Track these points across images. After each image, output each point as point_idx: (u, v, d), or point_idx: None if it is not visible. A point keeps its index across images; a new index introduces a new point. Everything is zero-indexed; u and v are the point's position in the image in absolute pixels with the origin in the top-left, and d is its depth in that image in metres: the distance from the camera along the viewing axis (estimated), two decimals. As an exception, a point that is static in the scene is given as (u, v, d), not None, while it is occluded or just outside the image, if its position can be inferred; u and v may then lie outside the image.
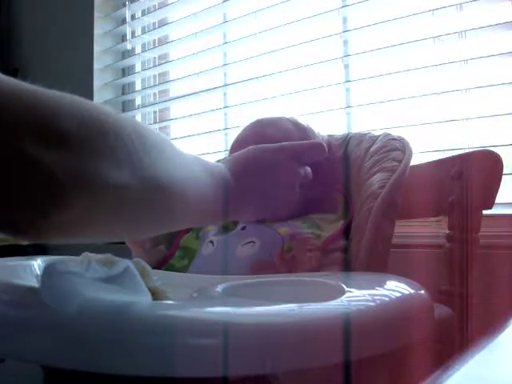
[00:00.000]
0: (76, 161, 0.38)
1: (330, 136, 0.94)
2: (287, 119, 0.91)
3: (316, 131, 0.92)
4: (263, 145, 0.64)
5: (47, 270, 0.37)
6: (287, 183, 0.64)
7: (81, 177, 0.38)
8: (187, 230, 0.90)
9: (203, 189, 0.53)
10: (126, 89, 1.83)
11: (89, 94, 1.76)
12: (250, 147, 0.64)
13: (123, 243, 0.94)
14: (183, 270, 0.82)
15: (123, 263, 0.39)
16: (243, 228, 0.81)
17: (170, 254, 0.87)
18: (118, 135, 0.41)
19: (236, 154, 0.64)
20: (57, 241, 0.44)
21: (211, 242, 0.82)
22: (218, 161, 0.94)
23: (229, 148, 1.45)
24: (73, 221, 0.40)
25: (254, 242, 0.78)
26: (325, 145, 0.67)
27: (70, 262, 0.39)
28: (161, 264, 0.85)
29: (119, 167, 0.41)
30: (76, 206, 0.39)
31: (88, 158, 0.39)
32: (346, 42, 1.26)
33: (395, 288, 0.51)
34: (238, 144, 0.89)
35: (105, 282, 0.38)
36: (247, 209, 0.63)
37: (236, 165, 0.61)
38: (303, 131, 0.89)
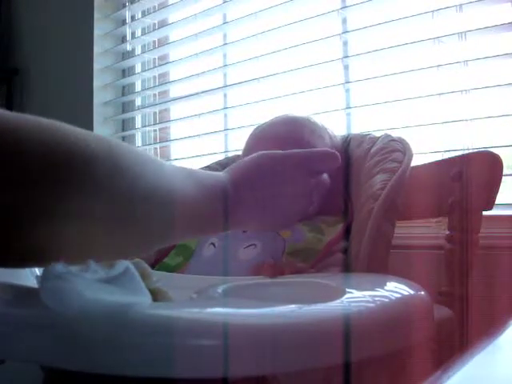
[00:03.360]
0: (35, 192, 0.38)
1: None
2: (315, 121, 0.90)
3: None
4: (271, 152, 0.61)
5: (46, 272, 0.37)
6: (295, 194, 0.60)
7: (38, 207, 0.38)
8: None
9: (190, 202, 0.51)
10: (126, 90, 1.83)
11: (89, 95, 1.76)
12: (258, 154, 0.60)
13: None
14: (177, 267, 0.82)
15: (123, 264, 0.39)
16: (244, 231, 0.81)
17: (165, 251, 0.87)
18: (86, 162, 0.40)
19: (240, 163, 0.60)
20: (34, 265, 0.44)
21: (212, 244, 0.82)
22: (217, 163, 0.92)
23: (228, 148, 1.46)
24: (41, 247, 0.40)
25: (255, 245, 0.78)
26: (338, 154, 0.62)
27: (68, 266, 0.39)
28: (155, 262, 0.85)
29: (85, 194, 0.40)
30: (35, 233, 0.39)
31: (48, 188, 0.38)
32: (345, 43, 1.27)
33: (395, 289, 0.51)
34: (268, 139, 0.86)
35: (104, 283, 0.38)
36: (251, 220, 0.59)
37: (238, 174, 0.58)
38: (330, 135, 0.89)
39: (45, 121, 0.40)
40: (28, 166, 0.38)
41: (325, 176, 0.64)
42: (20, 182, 0.37)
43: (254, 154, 0.61)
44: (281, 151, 0.61)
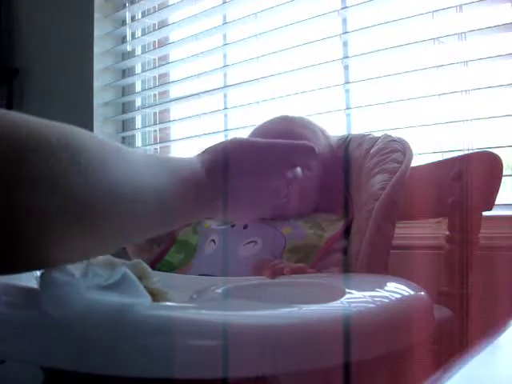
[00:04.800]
0: None
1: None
2: (309, 120, 0.91)
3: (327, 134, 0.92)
4: (251, 140, 0.59)
5: (45, 279, 0.37)
6: (270, 186, 0.58)
7: None
8: (183, 225, 0.90)
9: (163, 197, 0.48)
10: (126, 90, 1.83)
11: (89, 96, 1.76)
12: (237, 140, 0.58)
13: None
14: (180, 264, 0.82)
15: (120, 270, 0.39)
16: (245, 227, 0.81)
17: (165, 249, 0.87)
18: (42, 158, 0.37)
19: (219, 147, 0.57)
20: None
21: (213, 240, 0.82)
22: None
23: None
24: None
25: (255, 242, 0.78)
26: (316, 148, 0.61)
27: (68, 267, 0.39)
28: (156, 260, 0.85)
29: (39, 191, 0.37)
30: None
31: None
32: (345, 44, 1.27)
33: (395, 289, 0.51)
34: (265, 138, 0.87)
35: (103, 290, 0.38)
36: (225, 210, 0.56)
37: (215, 161, 0.55)
38: (326, 135, 0.90)
39: None
40: None
41: (298, 170, 0.61)
42: None
43: (233, 139, 0.58)
44: (260, 141, 0.59)
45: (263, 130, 0.90)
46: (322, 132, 0.90)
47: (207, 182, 0.52)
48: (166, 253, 0.86)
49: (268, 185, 0.58)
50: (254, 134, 0.91)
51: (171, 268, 0.82)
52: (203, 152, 0.57)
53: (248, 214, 0.62)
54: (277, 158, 0.59)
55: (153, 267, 0.78)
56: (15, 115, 0.37)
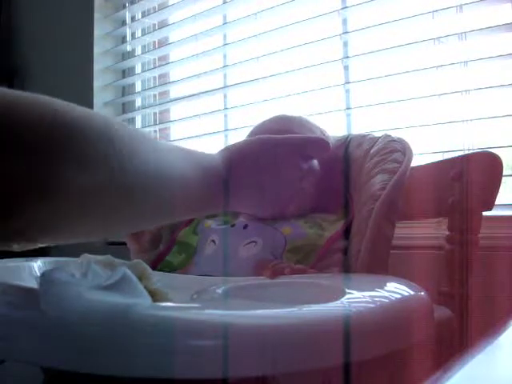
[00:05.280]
0: (30, 164, 0.38)
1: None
2: (307, 119, 0.92)
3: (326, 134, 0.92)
4: (265, 136, 0.62)
5: (45, 279, 0.37)
6: (289, 179, 0.61)
7: (34, 179, 0.38)
8: (184, 225, 0.90)
9: (188, 182, 0.51)
10: (126, 90, 1.83)
11: (89, 96, 1.76)
12: (258, 137, 0.61)
13: (123, 244, 0.94)
14: (181, 265, 0.82)
15: (120, 270, 0.39)
16: (245, 227, 0.81)
17: (166, 249, 0.87)
18: (89, 138, 0.41)
19: (240, 144, 0.61)
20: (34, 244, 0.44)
21: (213, 241, 0.82)
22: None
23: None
24: (40, 221, 0.40)
25: (255, 242, 0.78)
26: (329, 142, 0.65)
27: (68, 267, 0.39)
28: (156, 261, 0.85)
29: (86, 171, 0.41)
30: (36, 208, 0.39)
31: (46, 161, 0.39)
32: (345, 44, 1.27)
33: (395, 289, 0.51)
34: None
35: (103, 290, 0.38)
36: (249, 203, 0.60)
37: (237, 156, 0.58)
38: (325, 135, 0.90)
39: (43, 97, 0.40)
40: (24, 138, 0.38)
41: (315, 163, 0.66)
42: (16, 152, 0.37)
43: (254, 138, 0.61)
44: (274, 136, 0.62)
45: (262, 129, 0.90)
46: (321, 132, 0.90)
47: (230, 177, 0.56)
48: (166, 253, 0.87)
49: (285, 177, 0.60)
50: (253, 133, 0.91)
51: (172, 268, 0.82)
52: (225, 149, 0.60)
53: (268, 209, 0.63)
54: (292, 150, 0.61)
55: (153, 268, 0.78)
56: (61, 102, 0.42)
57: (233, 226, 0.83)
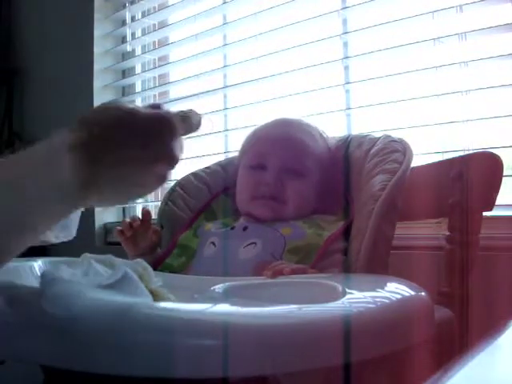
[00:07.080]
0: None
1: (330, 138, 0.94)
2: (306, 122, 0.92)
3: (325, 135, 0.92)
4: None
5: (46, 279, 0.37)
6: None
7: None
8: (184, 229, 0.90)
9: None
10: (126, 90, 1.83)
11: (89, 96, 1.76)
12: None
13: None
14: (181, 268, 0.82)
15: (121, 269, 0.39)
16: (245, 229, 0.81)
17: (167, 251, 0.87)
18: None
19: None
20: None
21: (213, 243, 0.82)
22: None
23: (228, 149, 1.46)
24: None
25: (255, 244, 0.78)
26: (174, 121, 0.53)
27: (69, 266, 0.39)
28: (156, 263, 0.85)
29: None
30: None
31: None
32: (346, 44, 1.26)
33: (396, 290, 0.51)
34: (264, 141, 0.89)
35: (104, 289, 0.38)
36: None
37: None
38: (324, 137, 0.90)
39: None
40: None
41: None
42: None
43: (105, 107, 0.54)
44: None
45: (261, 134, 0.90)
46: (320, 134, 0.90)
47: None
48: (166, 256, 0.87)
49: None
50: (252, 137, 0.92)
51: (171, 271, 0.82)
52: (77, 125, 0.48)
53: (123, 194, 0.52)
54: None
55: (153, 270, 0.78)
56: None
57: (232, 228, 0.83)
